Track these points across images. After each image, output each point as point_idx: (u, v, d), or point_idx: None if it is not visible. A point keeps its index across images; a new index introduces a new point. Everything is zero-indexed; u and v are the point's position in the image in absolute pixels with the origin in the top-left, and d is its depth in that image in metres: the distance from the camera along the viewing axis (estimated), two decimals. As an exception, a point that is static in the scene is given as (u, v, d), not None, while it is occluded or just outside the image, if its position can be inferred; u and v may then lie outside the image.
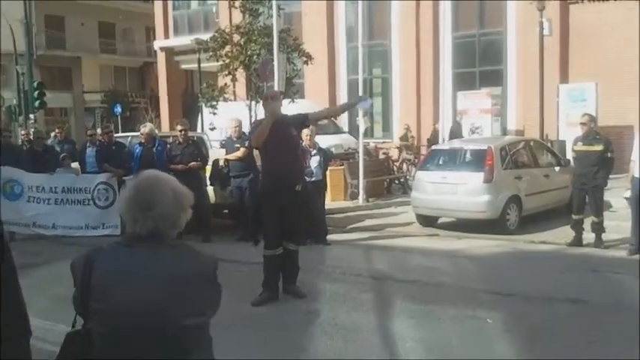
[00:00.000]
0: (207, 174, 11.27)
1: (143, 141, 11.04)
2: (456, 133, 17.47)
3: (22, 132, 16.08)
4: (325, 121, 20.23)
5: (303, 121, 7.22)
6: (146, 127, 11.43)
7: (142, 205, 2.18)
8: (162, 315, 2.12)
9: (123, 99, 38.24)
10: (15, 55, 26.49)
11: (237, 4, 17.18)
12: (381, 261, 9.35)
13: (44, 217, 11.28)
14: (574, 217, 9.80)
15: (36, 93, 22.63)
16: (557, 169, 12.18)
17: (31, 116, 22.80)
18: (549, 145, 14.93)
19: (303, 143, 10.34)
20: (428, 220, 11.84)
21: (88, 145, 12.31)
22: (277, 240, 6.89)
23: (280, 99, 7.33)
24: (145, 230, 2.18)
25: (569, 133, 15.20)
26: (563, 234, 10.41)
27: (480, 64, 21.38)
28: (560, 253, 9.58)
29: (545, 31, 16.44)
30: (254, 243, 9.18)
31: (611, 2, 18.50)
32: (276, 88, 13.89)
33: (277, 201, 6.82)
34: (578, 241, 9.75)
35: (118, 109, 34.72)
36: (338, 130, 20.10)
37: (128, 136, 13.78)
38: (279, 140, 6.75)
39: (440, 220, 11.92)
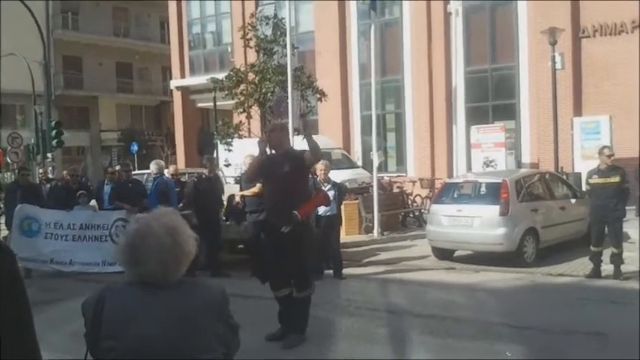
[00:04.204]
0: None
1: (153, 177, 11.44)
2: None
3: (40, 171, 16.25)
4: (340, 156, 20.44)
5: (299, 157, 6.59)
6: (157, 164, 11.75)
7: (127, 258, 2.21)
8: (172, 352, 2.13)
9: (139, 137, 38.71)
10: (33, 96, 26.96)
11: (252, 43, 17.48)
12: (397, 295, 9.29)
13: (62, 253, 11.35)
14: (593, 249, 9.72)
15: (54, 132, 22.90)
16: (573, 201, 12.13)
17: (49, 155, 23.04)
18: (565, 177, 14.88)
19: (318, 178, 10.44)
20: (444, 254, 11.78)
21: (105, 182, 12.45)
22: (279, 281, 6.63)
23: (281, 131, 6.86)
24: (137, 280, 2.22)
25: (584, 166, 15.16)
26: (580, 266, 10.35)
27: (493, 98, 21.46)
28: (579, 285, 9.48)
29: (558, 65, 16.49)
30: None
31: (623, 35, 18.64)
32: (290, 124, 14.03)
33: (270, 240, 6.64)
34: (596, 273, 9.66)
35: (135, 147, 35.16)
36: (352, 165, 20.18)
37: (144, 174, 13.92)
38: (269, 177, 6.65)
39: (456, 253, 11.85)
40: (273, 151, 6.72)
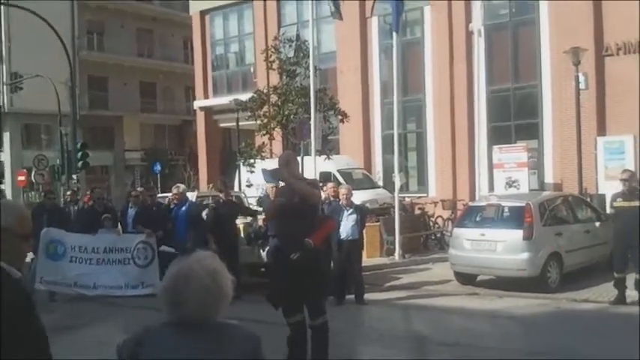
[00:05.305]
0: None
1: (176, 201, 11.47)
2: None
3: (68, 192, 16.25)
4: (360, 176, 20.48)
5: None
6: (178, 188, 11.83)
7: (169, 300, 2.27)
8: None
9: (162, 157, 39.02)
10: (59, 116, 27.32)
11: (274, 65, 17.63)
12: (420, 322, 9.23)
13: (86, 277, 11.47)
14: (616, 275, 9.57)
15: (79, 154, 23.23)
16: (597, 224, 11.96)
17: (74, 176, 23.34)
18: (588, 199, 14.73)
19: (340, 202, 10.50)
20: (466, 278, 11.68)
21: (130, 205, 12.57)
22: (291, 307, 6.57)
23: (288, 162, 6.82)
24: (177, 320, 2.27)
25: (608, 187, 15.01)
26: (605, 291, 10.19)
27: (516, 117, 21.32)
28: (604, 312, 9.36)
29: (581, 85, 16.36)
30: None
31: (647, 54, 18.48)
32: (312, 146, 14.13)
33: (282, 266, 6.67)
34: (621, 300, 9.52)
35: (158, 167, 35.44)
36: (373, 185, 20.20)
37: (166, 197, 14.04)
38: (280, 206, 6.80)
39: (478, 278, 11.75)
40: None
